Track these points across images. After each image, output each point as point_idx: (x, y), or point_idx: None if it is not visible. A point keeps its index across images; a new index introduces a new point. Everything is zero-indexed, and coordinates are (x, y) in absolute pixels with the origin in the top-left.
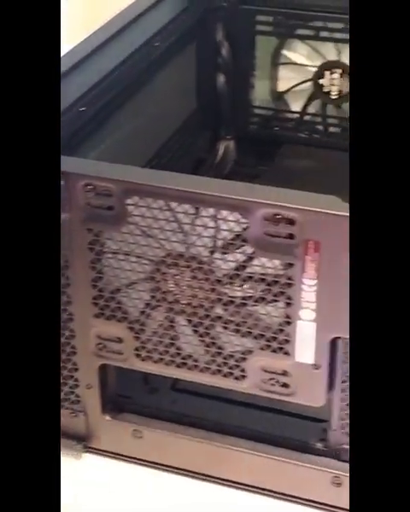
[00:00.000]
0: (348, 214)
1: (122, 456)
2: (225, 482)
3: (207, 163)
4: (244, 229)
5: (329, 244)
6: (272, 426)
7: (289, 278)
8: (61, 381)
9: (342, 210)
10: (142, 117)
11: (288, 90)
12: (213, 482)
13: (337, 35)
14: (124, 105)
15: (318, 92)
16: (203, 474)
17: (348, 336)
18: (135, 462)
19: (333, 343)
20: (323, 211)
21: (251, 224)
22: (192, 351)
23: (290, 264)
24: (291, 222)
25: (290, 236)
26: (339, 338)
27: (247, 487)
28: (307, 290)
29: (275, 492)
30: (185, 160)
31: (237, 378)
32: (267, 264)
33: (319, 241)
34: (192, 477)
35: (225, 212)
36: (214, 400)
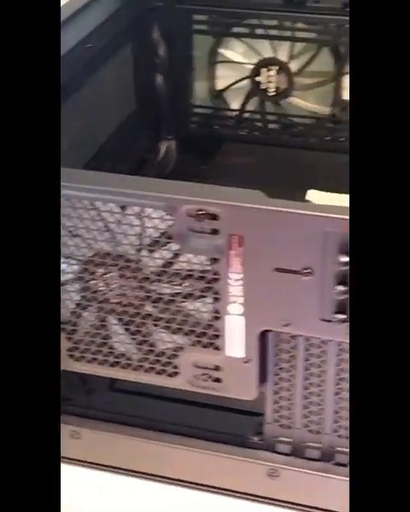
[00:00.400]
0: (269, 207)
1: (61, 457)
2: (164, 479)
3: (150, 163)
4: (169, 226)
5: (252, 238)
6: (209, 421)
7: (216, 273)
8: None
9: (264, 204)
10: (79, 119)
11: (226, 89)
12: (153, 480)
13: (272, 32)
14: (60, 107)
15: (255, 89)
16: (142, 473)
17: (275, 328)
18: (74, 463)
19: (263, 336)
20: (244, 205)
21: (175, 221)
22: (125, 349)
23: (216, 260)
24: (214, 217)
25: (214, 232)
26: (269, 331)
27: (186, 484)
28: (234, 284)
29: (213, 487)
30: (127, 161)
31: (170, 375)
32: (194, 260)
33: (243, 236)
34: (132, 476)
35: (149, 210)
36: (151, 398)
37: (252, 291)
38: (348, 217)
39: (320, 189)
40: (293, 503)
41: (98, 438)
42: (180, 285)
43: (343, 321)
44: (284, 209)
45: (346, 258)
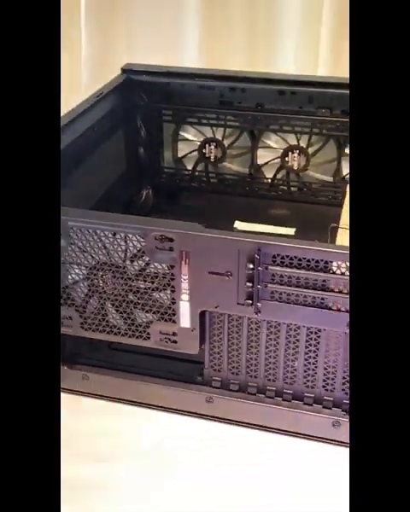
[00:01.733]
0: (204, 234)
1: (76, 391)
2: (140, 404)
3: (135, 204)
4: (143, 245)
5: (195, 253)
6: (170, 368)
7: (172, 275)
8: None
9: (201, 231)
10: (91, 175)
11: (183, 157)
12: (133, 405)
13: (212, 121)
14: (78, 168)
15: (202, 157)
16: (127, 400)
17: (210, 309)
18: (84, 395)
19: (202, 314)
20: (189, 232)
21: (146, 243)
22: (116, 323)
23: (172, 266)
24: (171, 240)
25: (171, 249)
26: (205, 311)
27: (154, 407)
28: (184, 282)
29: (173, 409)
30: (121, 203)
31: (144, 339)
32: (158, 267)
33: (189, 251)
34: (120, 402)
35: (130, 235)
36: (133, 354)
37: (194, 286)
38: (252, 240)
39: (243, 221)
40: (222, 418)
41: (99, 379)
42: (150, 282)
43: (251, 304)
44: (213, 235)
45: (251, 265)
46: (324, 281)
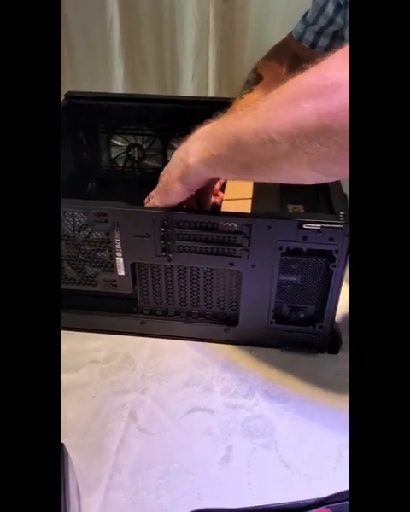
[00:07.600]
0: (127, 209)
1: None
2: (93, 331)
3: (85, 194)
4: (86, 219)
5: (123, 223)
6: (115, 304)
7: (109, 240)
8: None
9: (125, 207)
10: None
11: (115, 157)
12: (88, 331)
13: (134, 131)
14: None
15: (128, 158)
16: (85, 328)
17: (137, 261)
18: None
19: (132, 265)
20: (117, 208)
21: (88, 217)
22: (73, 276)
23: (108, 233)
24: (105, 214)
25: (106, 221)
26: (135, 263)
27: (105, 332)
28: (117, 243)
29: (118, 331)
30: (74, 193)
31: (94, 285)
32: (99, 234)
33: (119, 222)
34: (81, 331)
35: (76, 213)
36: (87, 296)
37: (125, 246)
38: (162, 211)
39: None
40: (152, 334)
41: (67, 316)
42: (94, 245)
43: (165, 255)
44: (133, 209)
45: (163, 229)
46: (210, 236)
